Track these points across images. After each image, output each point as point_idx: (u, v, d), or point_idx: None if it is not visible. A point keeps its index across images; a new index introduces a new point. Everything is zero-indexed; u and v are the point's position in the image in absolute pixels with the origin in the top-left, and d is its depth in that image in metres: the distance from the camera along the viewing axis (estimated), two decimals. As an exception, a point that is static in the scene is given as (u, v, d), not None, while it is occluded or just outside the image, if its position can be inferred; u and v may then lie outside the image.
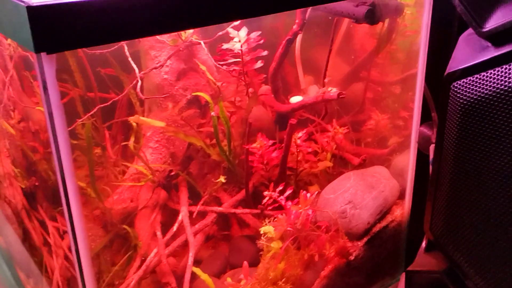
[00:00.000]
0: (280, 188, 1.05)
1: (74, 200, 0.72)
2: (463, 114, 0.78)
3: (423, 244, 1.07)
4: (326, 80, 1.17)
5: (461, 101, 0.78)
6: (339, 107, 1.27)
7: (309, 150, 1.17)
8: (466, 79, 0.77)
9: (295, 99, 1.21)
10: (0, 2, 0.68)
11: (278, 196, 1.04)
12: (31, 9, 0.60)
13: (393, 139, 1.28)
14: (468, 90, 0.77)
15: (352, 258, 1.13)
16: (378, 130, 1.29)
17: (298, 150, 1.16)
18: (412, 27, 1.20)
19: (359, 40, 1.32)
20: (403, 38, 1.22)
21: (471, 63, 0.77)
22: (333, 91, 1.08)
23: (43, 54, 0.64)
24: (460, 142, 0.80)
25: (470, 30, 0.81)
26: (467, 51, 0.78)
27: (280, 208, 1.06)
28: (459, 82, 0.78)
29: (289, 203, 1.05)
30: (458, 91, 0.78)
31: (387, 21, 1.20)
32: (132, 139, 1.13)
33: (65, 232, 1.04)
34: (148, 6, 0.67)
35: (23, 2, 0.60)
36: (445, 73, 0.79)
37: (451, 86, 0.78)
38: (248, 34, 1.06)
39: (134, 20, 0.67)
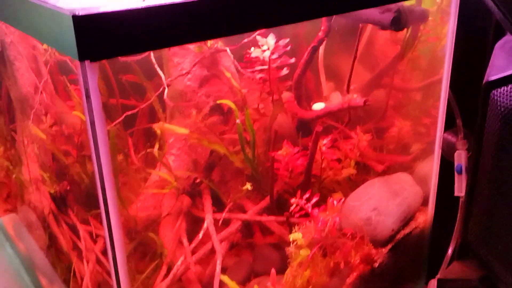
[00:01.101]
0: (307, 195, 1.05)
1: (112, 203, 0.72)
2: (504, 122, 0.78)
3: (449, 252, 1.07)
4: (352, 87, 1.16)
5: (501, 109, 0.78)
6: (362, 114, 1.27)
7: (334, 157, 1.17)
8: (507, 87, 0.77)
9: (318, 106, 1.21)
10: (38, 11, 0.68)
11: (305, 204, 1.04)
12: (76, 18, 0.60)
13: (415, 146, 1.28)
14: (509, 98, 0.77)
15: (376, 265, 1.13)
16: (400, 137, 1.29)
17: (322, 157, 1.15)
18: (434, 33, 1.20)
19: (380, 46, 1.32)
20: (426, 45, 1.22)
21: (512, 71, 0.77)
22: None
23: (86, 62, 0.64)
24: (500, 149, 0.80)
25: (507, 38, 0.82)
26: (506, 59, 0.78)
27: (306, 215, 1.06)
28: (499, 90, 0.78)
29: (316, 210, 1.05)
30: (499, 99, 0.78)
31: (410, 28, 1.20)
32: (157, 146, 1.12)
33: (98, 236, 1.03)
34: (189, 14, 0.67)
35: (67, 11, 0.60)
36: (484, 81, 0.80)
37: (491, 94, 0.78)
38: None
39: (174, 28, 0.67)
